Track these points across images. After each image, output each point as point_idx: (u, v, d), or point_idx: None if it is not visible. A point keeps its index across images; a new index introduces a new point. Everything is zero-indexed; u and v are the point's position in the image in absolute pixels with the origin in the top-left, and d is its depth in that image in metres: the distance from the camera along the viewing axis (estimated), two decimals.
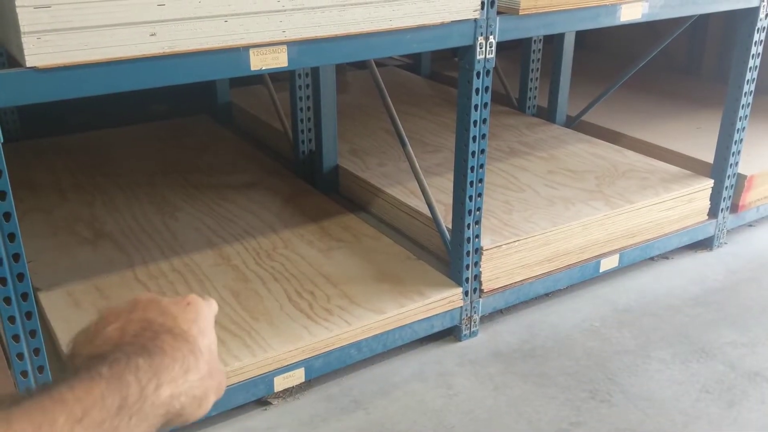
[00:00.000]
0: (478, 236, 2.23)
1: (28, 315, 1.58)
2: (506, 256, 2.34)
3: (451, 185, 2.22)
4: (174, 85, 1.61)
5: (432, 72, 4.43)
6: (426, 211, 2.42)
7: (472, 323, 2.31)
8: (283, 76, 3.27)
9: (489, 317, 2.40)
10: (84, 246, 2.47)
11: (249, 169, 3.12)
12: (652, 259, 2.77)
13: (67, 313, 2.07)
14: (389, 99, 2.38)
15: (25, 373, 1.63)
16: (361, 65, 2.78)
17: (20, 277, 1.54)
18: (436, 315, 2.22)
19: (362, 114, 3.55)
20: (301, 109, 2.95)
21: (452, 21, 1.89)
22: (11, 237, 1.51)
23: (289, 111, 3.04)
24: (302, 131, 3.00)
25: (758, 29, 2.54)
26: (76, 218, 2.67)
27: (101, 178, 3.02)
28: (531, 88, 3.63)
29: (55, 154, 3.30)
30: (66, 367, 0.59)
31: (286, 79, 3.08)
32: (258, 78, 3.48)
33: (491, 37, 1.98)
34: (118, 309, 0.63)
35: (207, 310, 0.66)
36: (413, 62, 4.56)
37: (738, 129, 2.70)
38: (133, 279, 2.26)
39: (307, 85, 2.91)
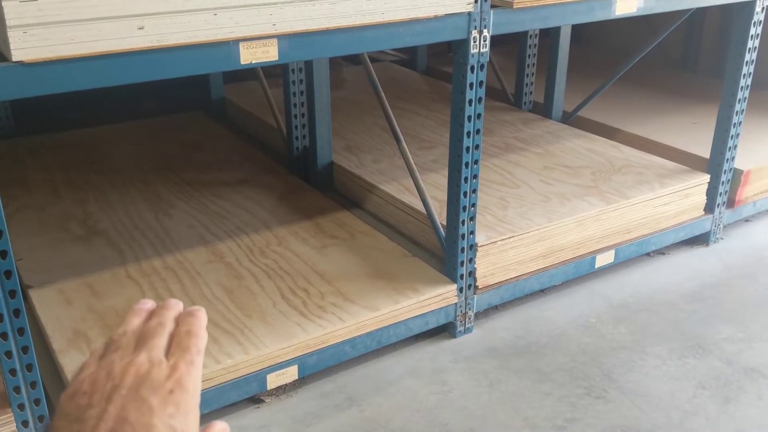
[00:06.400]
0: (472, 232, 2.22)
1: (16, 312, 1.56)
2: (501, 252, 2.32)
3: (446, 181, 2.21)
4: (166, 80, 1.59)
5: (428, 67, 4.41)
6: (421, 207, 2.40)
7: (467, 319, 2.29)
8: (278, 71, 3.25)
9: (484, 313, 2.39)
10: (77, 243, 2.46)
11: (243, 166, 3.10)
12: (648, 254, 2.76)
13: (58, 311, 2.06)
14: (383, 95, 2.36)
15: (13, 372, 1.61)
16: (357, 60, 2.76)
17: (8, 274, 1.52)
18: (431, 311, 2.21)
19: (357, 110, 3.53)
20: (295, 105, 2.93)
21: (446, 14, 1.87)
22: None
23: (283, 107, 3.02)
24: (296, 127, 2.98)
25: (755, 23, 2.53)
26: (69, 215, 2.65)
27: (94, 176, 3.00)
28: (527, 84, 3.61)
29: (49, 151, 3.28)
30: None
31: (280, 75, 3.06)
32: (252, 73, 3.46)
33: (485, 30, 1.96)
34: (95, 379, 0.56)
35: (194, 385, 0.58)
36: (409, 58, 4.54)
37: (734, 123, 2.68)
38: (126, 276, 2.25)
39: (301, 81, 2.89)
